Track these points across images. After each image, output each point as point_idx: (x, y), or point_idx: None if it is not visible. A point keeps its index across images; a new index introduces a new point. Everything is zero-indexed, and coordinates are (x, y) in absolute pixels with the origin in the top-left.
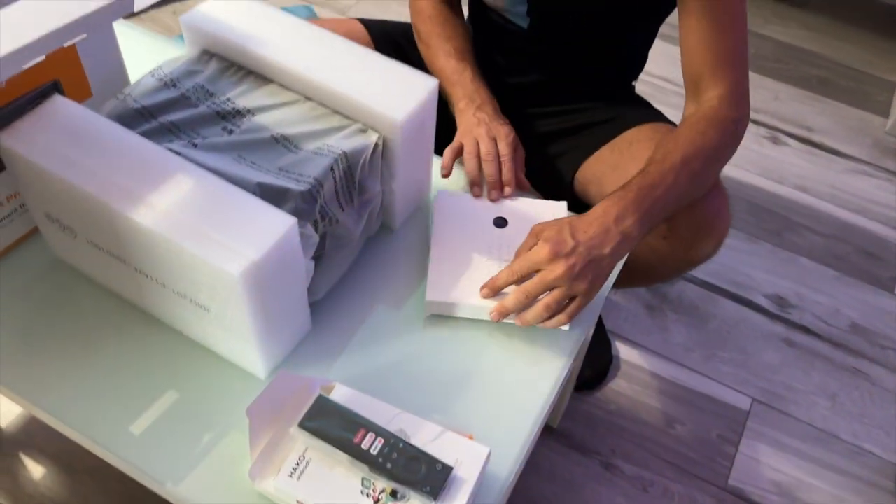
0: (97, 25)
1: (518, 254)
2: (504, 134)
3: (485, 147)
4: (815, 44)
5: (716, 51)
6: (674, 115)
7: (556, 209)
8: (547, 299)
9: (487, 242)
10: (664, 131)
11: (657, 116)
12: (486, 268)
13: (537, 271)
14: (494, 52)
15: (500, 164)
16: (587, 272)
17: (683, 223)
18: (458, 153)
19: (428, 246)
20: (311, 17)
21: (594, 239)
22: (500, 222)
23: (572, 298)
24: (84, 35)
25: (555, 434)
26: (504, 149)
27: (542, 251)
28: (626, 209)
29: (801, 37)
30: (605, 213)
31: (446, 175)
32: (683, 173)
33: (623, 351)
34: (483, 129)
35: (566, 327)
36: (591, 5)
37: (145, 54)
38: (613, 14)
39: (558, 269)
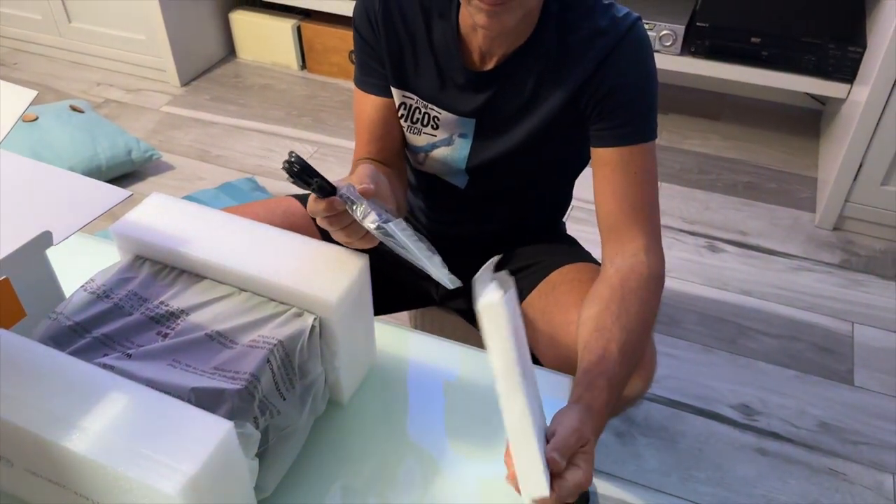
0: (18, 263)
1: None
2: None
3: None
4: (735, 151)
5: (632, 201)
6: None
7: None
8: None
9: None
10: (585, 271)
11: (578, 255)
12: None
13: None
14: (433, 209)
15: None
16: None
17: None
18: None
19: (382, 419)
20: (255, 189)
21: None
22: None
23: None
24: (5, 276)
25: None
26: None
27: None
28: (602, 417)
29: (721, 147)
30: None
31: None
32: (639, 350)
33: (600, 485)
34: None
35: None
36: (521, 171)
37: (80, 256)
38: (543, 173)
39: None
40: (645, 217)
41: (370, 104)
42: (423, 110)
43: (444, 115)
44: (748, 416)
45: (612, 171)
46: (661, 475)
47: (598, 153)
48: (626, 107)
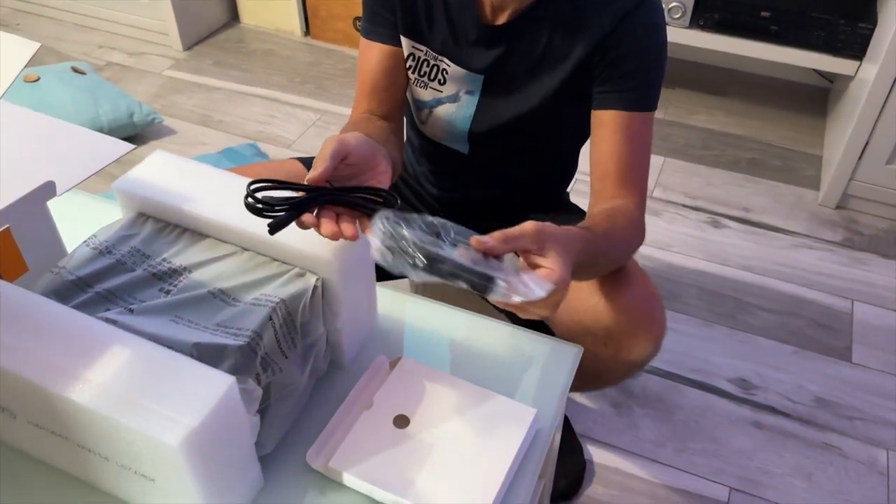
0: (20, 213)
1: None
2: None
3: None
4: (740, 128)
5: (628, 163)
6: None
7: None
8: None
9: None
10: None
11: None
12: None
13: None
14: (436, 174)
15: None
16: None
17: (619, 329)
18: None
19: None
20: (257, 154)
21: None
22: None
23: None
24: (7, 225)
25: None
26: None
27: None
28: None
29: (726, 122)
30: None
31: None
32: (618, 256)
33: (596, 454)
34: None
35: None
36: (527, 137)
37: (82, 216)
38: (548, 141)
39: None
40: (635, 183)
41: (376, 53)
42: (431, 63)
43: (453, 69)
44: (745, 389)
45: (611, 134)
46: (657, 446)
47: (598, 115)
48: (635, 73)
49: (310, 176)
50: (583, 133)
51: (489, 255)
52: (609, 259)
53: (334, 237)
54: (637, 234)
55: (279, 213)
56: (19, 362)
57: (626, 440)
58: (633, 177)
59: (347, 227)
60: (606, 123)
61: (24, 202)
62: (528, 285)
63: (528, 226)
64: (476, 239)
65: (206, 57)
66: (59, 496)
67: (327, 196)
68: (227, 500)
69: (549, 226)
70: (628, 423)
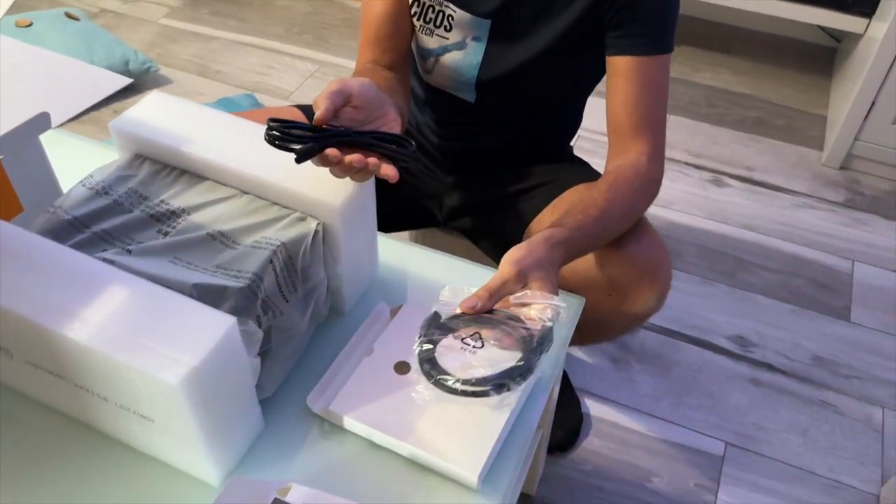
0: (15, 145)
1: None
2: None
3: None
4: (745, 86)
5: (642, 112)
6: None
7: None
8: None
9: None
10: None
11: (591, 175)
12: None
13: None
14: (441, 124)
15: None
16: None
17: (624, 279)
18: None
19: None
20: (254, 105)
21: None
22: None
23: None
24: (1, 156)
25: (533, 503)
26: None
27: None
28: (560, 247)
29: (731, 81)
30: (553, 275)
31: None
32: (616, 229)
33: (593, 407)
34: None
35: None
36: (534, 84)
37: (78, 160)
38: (555, 89)
39: None
40: (652, 129)
41: None
42: (437, 8)
43: (459, 14)
44: (743, 347)
45: (625, 82)
46: (654, 400)
47: (613, 62)
48: (647, 16)
49: (316, 117)
50: (589, 81)
51: (482, 312)
52: (604, 238)
53: (360, 163)
54: (644, 195)
55: (300, 147)
56: (16, 300)
57: (623, 395)
58: (647, 127)
59: (373, 160)
60: (621, 71)
61: (17, 133)
62: (548, 308)
63: (507, 271)
64: (466, 306)
65: (203, 6)
66: (56, 437)
67: (344, 137)
68: (228, 441)
69: (523, 258)
70: (626, 378)
